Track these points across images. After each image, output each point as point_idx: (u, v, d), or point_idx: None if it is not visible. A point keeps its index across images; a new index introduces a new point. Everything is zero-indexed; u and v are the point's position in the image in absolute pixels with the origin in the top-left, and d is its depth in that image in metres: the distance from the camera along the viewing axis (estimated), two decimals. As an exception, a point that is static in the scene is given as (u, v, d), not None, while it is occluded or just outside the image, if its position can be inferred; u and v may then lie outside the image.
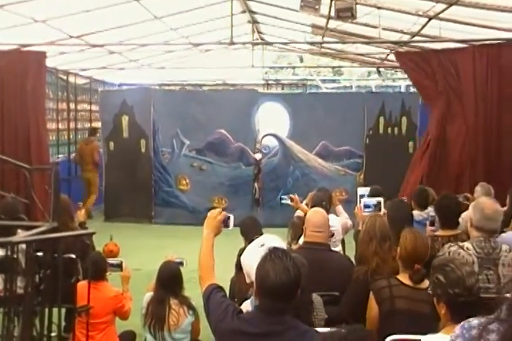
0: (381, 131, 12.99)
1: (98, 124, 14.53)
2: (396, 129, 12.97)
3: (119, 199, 13.20)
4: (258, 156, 13.29)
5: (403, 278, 3.98)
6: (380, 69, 16.99)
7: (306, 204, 7.12)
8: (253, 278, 3.08)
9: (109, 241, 9.27)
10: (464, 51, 9.34)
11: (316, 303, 3.79)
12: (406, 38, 10.84)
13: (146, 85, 15.95)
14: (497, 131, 9.01)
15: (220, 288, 3.26)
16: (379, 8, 9.22)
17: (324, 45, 14.65)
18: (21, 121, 9.92)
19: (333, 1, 8.37)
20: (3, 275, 3.57)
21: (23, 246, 3.55)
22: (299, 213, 6.98)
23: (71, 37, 10.82)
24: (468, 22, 8.89)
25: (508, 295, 3.58)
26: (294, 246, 5.49)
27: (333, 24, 10.74)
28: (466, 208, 4.96)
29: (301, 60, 27.78)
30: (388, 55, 13.47)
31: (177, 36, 13.04)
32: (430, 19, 9.03)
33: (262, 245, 3.31)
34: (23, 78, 9.93)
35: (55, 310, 3.79)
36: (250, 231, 5.58)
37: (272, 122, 13.12)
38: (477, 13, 8.26)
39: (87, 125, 15.62)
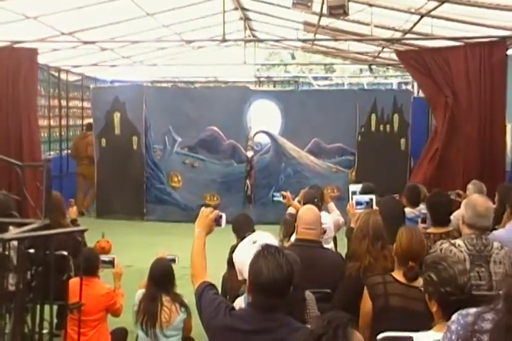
0: (373, 128, 13.00)
1: (90, 121, 14.49)
2: (388, 127, 12.98)
3: (111, 196, 13.17)
4: (250, 153, 13.28)
5: (398, 275, 3.97)
6: (372, 66, 17.04)
7: (299, 202, 7.13)
8: (245, 275, 3.08)
9: (101, 238, 9.25)
10: (456, 49, 9.36)
11: (309, 300, 3.79)
12: (398, 35, 10.88)
13: (138, 82, 15.92)
14: (490, 130, 9.03)
15: (212, 286, 3.27)
16: (371, 5, 9.25)
17: (316, 42, 14.65)
18: (13, 118, 9.89)
19: (326, -2, 8.38)
20: (-5, 272, 3.56)
21: (15, 243, 3.54)
22: (291, 210, 6.98)
23: (63, 34, 10.80)
24: (460, 19, 8.93)
25: (499, 292, 3.61)
26: (286, 243, 5.49)
27: (325, 21, 10.75)
28: (458, 205, 4.97)
29: (293, 58, 27.81)
30: (380, 52, 13.49)
31: (169, 33, 13.03)
32: (422, 17, 9.06)
33: (254, 242, 3.32)
34: (14, 75, 9.89)
35: (46, 307, 3.78)
36: (242, 228, 5.58)
37: (264, 119, 13.10)
38: (469, 11, 8.29)
39: (79, 122, 15.63)
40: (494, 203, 5.77)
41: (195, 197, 12.97)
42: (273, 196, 7.66)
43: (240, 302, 3.49)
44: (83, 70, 15.41)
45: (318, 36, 12.91)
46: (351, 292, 4.24)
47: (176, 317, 4.98)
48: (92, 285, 5.20)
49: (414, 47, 10.91)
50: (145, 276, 5.19)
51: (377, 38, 11.18)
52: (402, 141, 12.94)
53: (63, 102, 14.63)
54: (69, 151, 14.40)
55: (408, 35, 10.58)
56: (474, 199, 4.48)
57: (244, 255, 3.20)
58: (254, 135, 13.17)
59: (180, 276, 5.20)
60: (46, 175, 4.00)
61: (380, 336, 3.33)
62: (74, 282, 4.31)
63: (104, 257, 5.72)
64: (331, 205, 7.40)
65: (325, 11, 8.58)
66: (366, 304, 3.96)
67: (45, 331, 3.82)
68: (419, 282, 3.74)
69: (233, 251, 3.61)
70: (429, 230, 5.32)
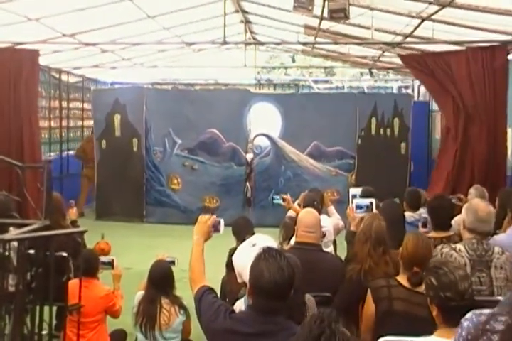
0: (373, 132, 13.00)
1: (90, 123, 14.51)
2: (388, 130, 12.98)
3: (111, 198, 13.18)
4: (250, 156, 13.29)
5: (402, 279, 3.95)
6: (373, 70, 17.04)
7: (298, 205, 7.13)
8: (245, 277, 3.08)
9: (101, 239, 9.26)
10: (457, 54, 9.36)
11: (309, 304, 3.79)
12: (399, 39, 10.87)
13: (138, 84, 15.93)
14: (493, 135, 9.02)
15: (212, 290, 3.28)
16: (372, 9, 9.25)
17: (317, 45, 14.67)
18: (14, 119, 9.90)
19: (327, 2, 8.38)
20: (-5, 273, 3.56)
21: (15, 243, 3.54)
22: (290, 213, 6.98)
23: (64, 35, 10.81)
24: (461, 24, 8.92)
25: (500, 297, 3.60)
26: (286, 247, 5.49)
27: (325, 25, 10.76)
28: (459, 210, 4.95)
29: (294, 61, 27.81)
30: (380, 56, 13.50)
31: (170, 35, 13.04)
32: (423, 20, 9.06)
33: (254, 245, 3.32)
34: (16, 76, 9.91)
35: (46, 308, 3.78)
36: (242, 231, 5.58)
37: (264, 122, 13.12)
38: (470, 15, 8.29)
39: (79, 123, 15.65)
40: (495, 207, 5.76)
41: (194, 200, 12.99)
42: (273, 199, 7.66)
43: (239, 305, 3.48)
44: (84, 72, 15.43)
45: (318, 39, 12.93)
46: (352, 294, 4.24)
47: (175, 320, 4.98)
48: (91, 287, 5.20)
49: (415, 51, 10.91)
50: (144, 278, 5.19)
51: (378, 42, 11.19)
52: (403, 145, 12.94)
53: (64, 104, 14.64)
54: (71, 152, 14.48)
55: (409, 39, 10.58)
56: (475, 204, 4.44)
57: (244, 258, 3.20)
58: (254, 138, 13.18)
59: (179, 279, 5.19)
60: (47, 176, 4.00)
61: (381, 340, 3.32)
62: (73, 283, 4.31)
63: (103, 258, 5.72)
64: (331, 209, 7.39)
65: (326, 14, 8.59)
66: (369, 307, 3.95)
67: (44, 332, 3.82)
68: (423, 287, 3.73)
69: (232, 254, 3.61)
70: (429, 234, 5.30)
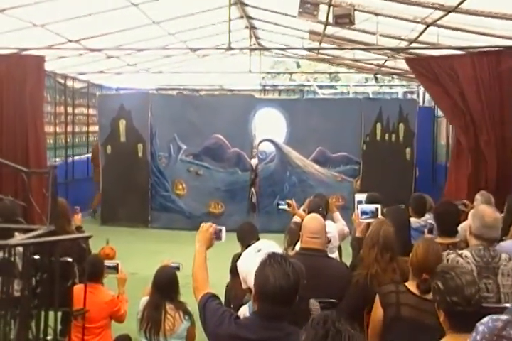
0: (378, 137, 13.00)
1: (95, 128, 14.55)
2: (393, 136, 12.98)
3: (116, 204, 13.19)
4: (255, 162, 13.29)
5: (411, 286, 3.91)
6: (378, 75, 17.04)
7: (304, 210, 7.11)
8: (249, 283, 3.07)
9: (106, 244, 9.25)
10: (463, 58, 9.33)
11: (314, 309, 3.78)
12: (404, 44, 10.88)
13: (143, 90, 15.96)
14: (501, 140, 8.99)
15: (215, 297, 3.27)
16: (377, 14, 9.25)
17: (321, 51, 14.68)
18: (20, 125, 9.92)
19: (332, 8, 8.40)
20: (0, 278, 3.56)
21: (21, 249, 3.55)
22: (295, 219, 6.97)
23: (69, 41, 10.85)
24: (465, 29, 8.91)
25: (507, 305, 3.56)
26: (291, 252, 5.48)
27: (330, 30, 10.78)
28: (465, 216, 4.91)
29: (298, 66, 27.83)
30: (386, 61, 13.50)
31: (175, 41, 13.07)
32: (428, 26, 9.06)
33: (259, 250, 3.31)
34: (22, 82, 9.93)
35: (51, 314, 3.78)
36: (247, 237, 5.57)
37: (269, 128, 13.13)
38: (475, 21, 8.28)
39: (85, 129, 15.68)
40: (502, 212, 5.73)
41: (199, 205, 12.99)
42: (278, 204, 7.64)
43: (244, 311, 3.47)
44: (89, 77, 15.48)
45: (323, 45, 12.93)
46: (358, 299, 4.22)
47: (180, 325, 4.96)
48: (96, 292, 5.19)
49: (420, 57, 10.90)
50: (149, 284, 5.18)
51: (383, 47, 11.19)
52: (408, 150, 12.93)
53: (69, 109, 14.69)
54: (77, 158, 14.81)
55: (414, 45, 10.58)
56: (482, 210, 4.38)
57: (249, 263, 3.19)
58: (259, 143, 13.19)
59: (184, 284, 5.17)
60: (52, 181, 4.01)
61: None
62: (78, 288, 4.31)
63: (108, 263, 5.71)
64: (337, 215, 7.37)
65: (331, 19, 8.60)
66: (377, 312, 3.92)
67: (49, 337, 3.82)
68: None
69: (236, 260, 3.60)
70: (435, 240, 5.28)
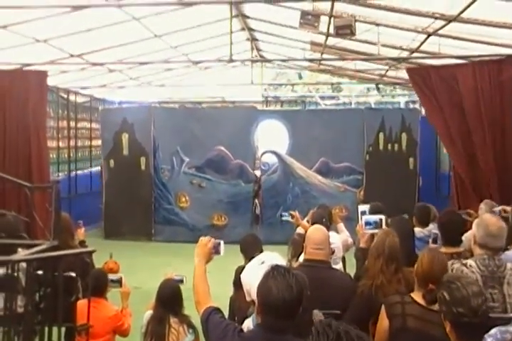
0: (381, 147, 13.01)
1: (98, 142, 14.57)
2: (396, 146, 12.98)
3: (119, 217, 13.19)
4: (258, 173, 13.29)
5: (417, 296, 3.87)
6: (379, 85, 17.05)
7: (307, 221, 7.09)
8: (253, 295, 3.06)
9: (109, 259, 9.22)
10: (464, 67, 9.32)
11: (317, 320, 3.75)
12: (405, 54, 10.89)
13: (146, 103, 15.99)
14: (501, 149, 8.96)
15: (218, 310, 3.26)
16: (378, 24, 9.27)
17: (323, 62, 14.71)
18: (23, 140, 9.93)
19: (332, 19, 8.41)
20: (3, 294, 3.55)
21: (24, 264, 3.53)
22: (299, 230, 6.95)
23: (72, 56, 10.88)
24: (466, 38, 8.92)
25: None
26: (294, 264, 5.46)
27: (332, 41, 10.79)
28: (470, 226, 4.88)
29: (300, 77, 27.86)
30: (387, 71, 13.51)
31: (176, 54, 13.10)
32: (429, 35, 9.07)
33: (262, 262, 3.30)
34: (24, 97, 9.94)
35: (54, 329, 3.76)
36: (250, 249, 5.54)
37: (272, 139, 13.15)
38: (476, 30, 8.29)
39: (88, 143, 15.69)
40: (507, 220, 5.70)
41: (202, 218, 12.98)
42: (281, 216, 7.65)
43: (248, 324, 3.45)
44: (92, 92, 15.52)
45: (325, 56, 12.96)
46: (363, 310, 4.20)
47: (184, 339, 4.93)
48: (99, 307, 5.17)
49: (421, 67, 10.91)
50: (153, 298, 5.16)
51: (384, 57, 11.20)
52: (411, 160, 12.93)
53: (72, 123, 14.72)
54: (80, 172, 14.69)
55: (415, 54, 10.59)
56: (486, 219, 4.35)
57: (253, 276, 3.18)
58: (262, 155, 13.20)
59: (187, 297, 5.15)
60: (55, 196, 4.00)
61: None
62: (82, 304, 4.29)
63: (111, 276, 5.69)
64: (341, 225, 7.35)
65: (332, 30, 8.61)
66: (383, 323, 3.89)
67: (53, 353, 3.80)
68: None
69: (240, 272, 3.58)
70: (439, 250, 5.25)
